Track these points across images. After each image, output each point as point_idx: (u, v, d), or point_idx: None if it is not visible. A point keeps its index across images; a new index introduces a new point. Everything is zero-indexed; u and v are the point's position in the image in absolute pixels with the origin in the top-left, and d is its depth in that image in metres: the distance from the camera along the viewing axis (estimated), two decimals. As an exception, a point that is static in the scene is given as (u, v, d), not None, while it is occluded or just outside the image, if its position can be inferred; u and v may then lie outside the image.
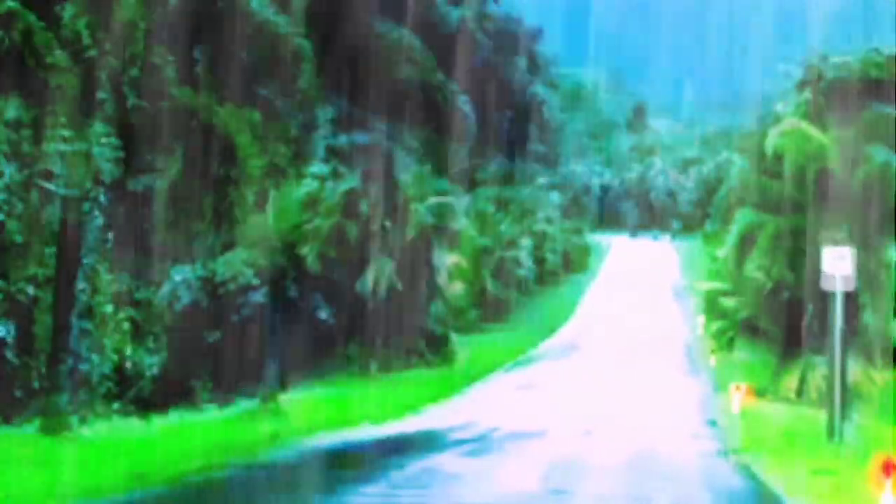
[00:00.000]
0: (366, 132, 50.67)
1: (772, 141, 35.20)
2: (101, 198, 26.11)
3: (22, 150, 24.54)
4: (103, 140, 24.38)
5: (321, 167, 42.16)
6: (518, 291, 70.86)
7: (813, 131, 34.63)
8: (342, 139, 49.07)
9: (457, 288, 46.24)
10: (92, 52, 20.88)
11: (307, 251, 35.57)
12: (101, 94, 21.44)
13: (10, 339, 24.52)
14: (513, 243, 71.22)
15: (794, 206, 34.99)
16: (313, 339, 40.27)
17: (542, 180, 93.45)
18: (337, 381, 38.72)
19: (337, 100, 46.47)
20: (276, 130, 24.33)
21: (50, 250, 24.64)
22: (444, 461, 20.66)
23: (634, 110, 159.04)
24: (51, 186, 23.20)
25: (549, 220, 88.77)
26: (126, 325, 31.41)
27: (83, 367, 25.87)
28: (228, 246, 32.21)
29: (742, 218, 36.51)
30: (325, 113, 35.69)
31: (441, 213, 45.86)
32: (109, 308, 29.11)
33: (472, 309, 55.48)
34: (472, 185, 75.79)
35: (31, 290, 25.21)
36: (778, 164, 36.00)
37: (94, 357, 26.97)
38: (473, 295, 54.00)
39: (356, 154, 46.78)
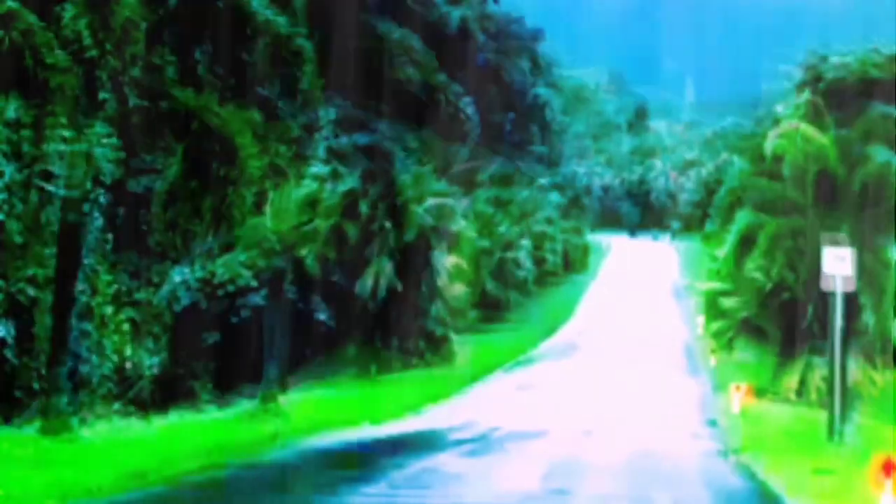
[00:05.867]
0: (367, 133, 50.60)
1: (771, 142, 35.20)
2: (101, 199, 26.13)
3: (22, 149, 24.56)
4: (104, 140, 24.40)
5: (321, 167, 42.11)
6: (518, 291, 70.78)
7: (813, 132, 34.58)
8: (343, 140, 49.01)
9: (457, 289, 46.20)
10: (92, 53, 20.87)
11: (306, 252, 35.49)
12: (102, 95, 21.41)
13: (9, 340, 24.51)
14: (511, 244, 71.33)
15: (793, 207, 34.92)
16: (313, 340, 40.17)
17: (543, 181, 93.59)
18: (337, 383, 38.70)
19: (339, 100, 46.52)
20: (278, 131, 24.32)
21: (50, 251, 24.62)
22: (444, 461, 20.66)
23: (636, 111, 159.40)
24: (50, 187, 23.19)
25: (549, 221, 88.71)
26: (126, 326, 31.39)
27: (83, 368, 25.85)
28: (227, 247, 32.26)
29: (741, 219, 36.48)
30: (327, 114, 35.67)
31: (440, 214, 45.79)
32: (109, 309, 29.10)
33: (472, 310, 55.47)
34: (471, 186, 75.69)
35: (31, 291, 25.19)
36: (777, 166, 35.96)
37: (94, 358, 26.94)
38: (474, 296, 54.00)
39: (356, 155, 46.69)
